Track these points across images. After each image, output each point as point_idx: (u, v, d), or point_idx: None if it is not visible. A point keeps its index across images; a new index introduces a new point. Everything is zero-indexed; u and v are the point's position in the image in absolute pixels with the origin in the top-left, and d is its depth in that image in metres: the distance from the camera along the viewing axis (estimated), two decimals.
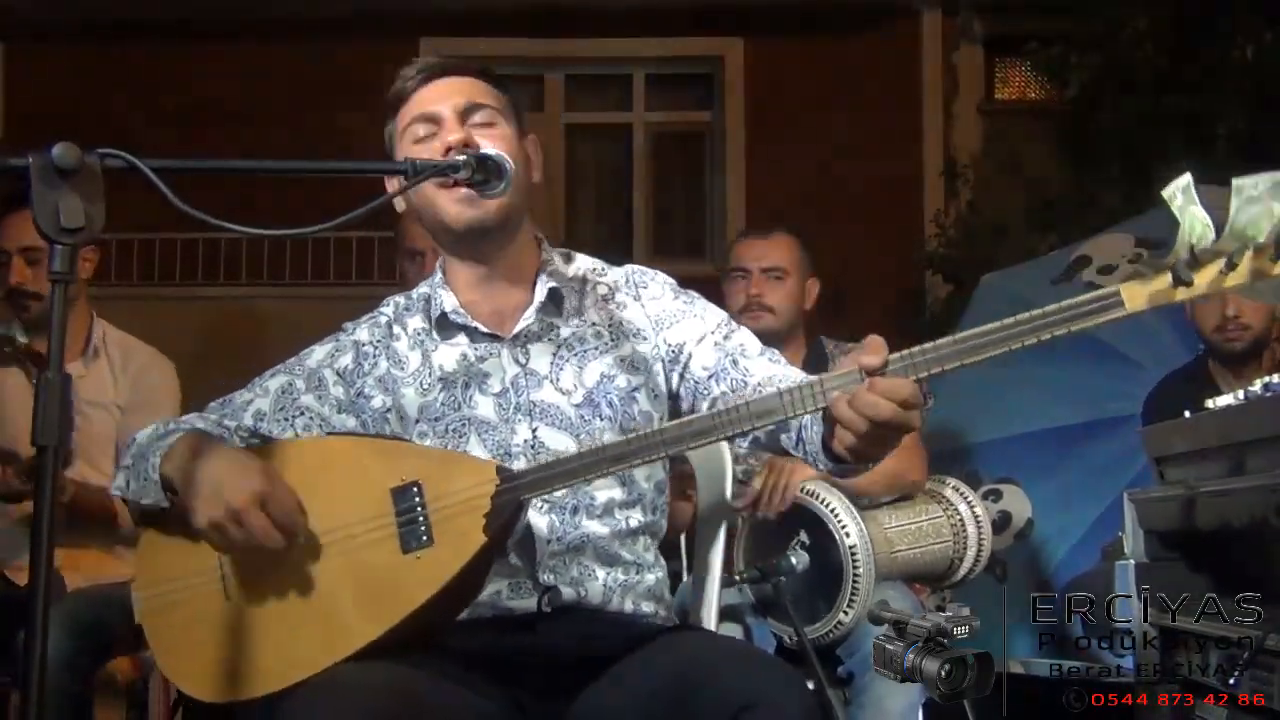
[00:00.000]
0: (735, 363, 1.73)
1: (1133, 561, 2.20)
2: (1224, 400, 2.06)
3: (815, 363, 3.03)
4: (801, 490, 2.46)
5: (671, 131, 8.18)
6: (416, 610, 1.54)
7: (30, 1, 7.31)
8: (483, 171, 1.58)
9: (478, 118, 1.70)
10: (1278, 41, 5.38)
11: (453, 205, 1.67)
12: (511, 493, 1.55)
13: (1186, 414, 2.18)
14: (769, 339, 3.00)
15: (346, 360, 1.77)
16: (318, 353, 1.80)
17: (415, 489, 1.57)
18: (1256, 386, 1.95)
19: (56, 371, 1.28)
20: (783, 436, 1.68)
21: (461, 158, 1.58)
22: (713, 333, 1.77)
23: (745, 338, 1.78)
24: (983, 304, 4.05)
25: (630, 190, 7.92)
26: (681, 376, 1.76)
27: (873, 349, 1.41)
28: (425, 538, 1.56)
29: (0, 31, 7.58)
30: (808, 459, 1.65)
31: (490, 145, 1.65)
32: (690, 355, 1.76)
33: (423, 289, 1.82)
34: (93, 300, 2.99)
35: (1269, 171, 1.31)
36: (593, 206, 8.14)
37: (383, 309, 1.83)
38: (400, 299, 1.83)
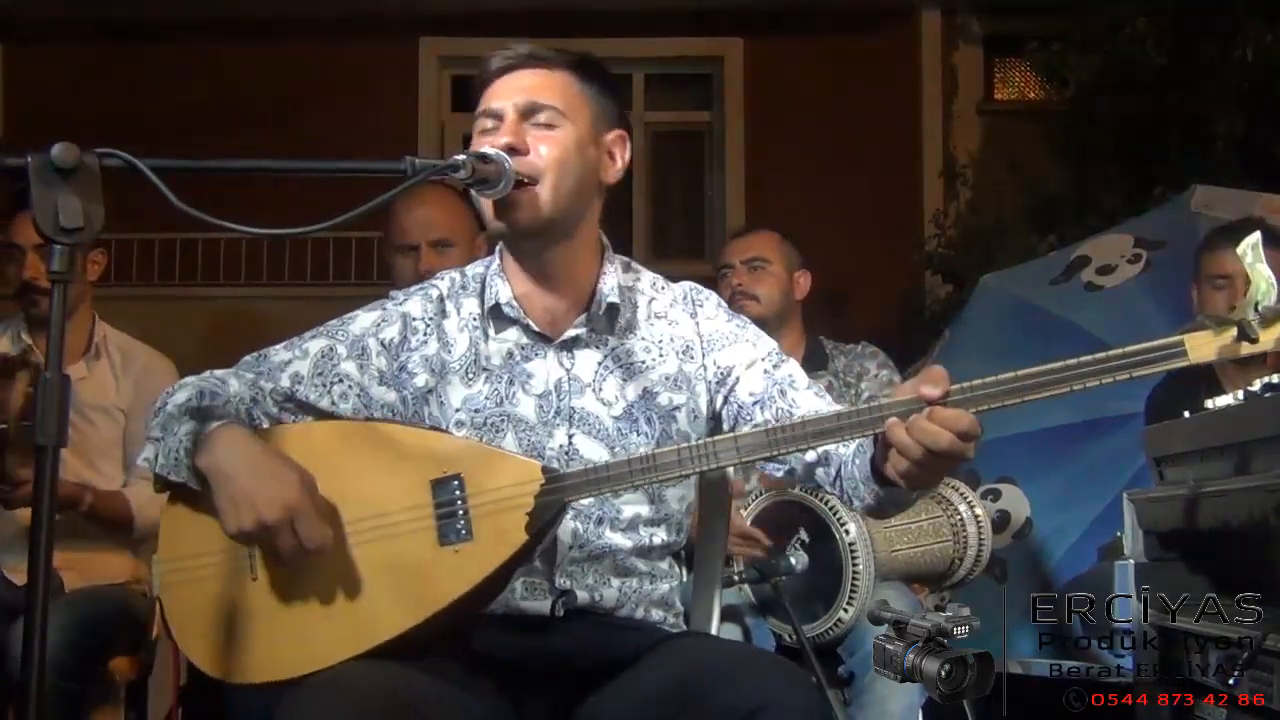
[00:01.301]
0: (783, 393, 1.73)
1: (1132, 561, 2.20)
2: (1224, 400, 2.05)
3: (814, 361, 3.04)
4: (801, 488, 2.46)
5: (671, 131, 8.17)
6: (449, 605, 1.52)
7: (30, 1, 7.31)
8: (482, 173, 1.58)
9: (539, 118, 1.68)
10: (1278, 41, 5.38)
11: (489, 208, 1.66)
12: (556, 494, 1.54)
13: (1186, 414, 2.17)
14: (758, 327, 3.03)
15: (393, 332, 1.74)
16: (363, 319, 1.76)
17: (456, 482, 1.56)
18: (1256, 386, 1.95)
19: (56, 371, 1.28)
20: (819, 470, 1.69)
21: (461, 158, 1.57)
22: (763, 360, 1.76)
23: (794, 369, 1.77)
24: (982, 304, 4.04)
25: (630, 190, 7.91)
26: (726, 399, 1.75)
27: (934, 379, 1.44)
28: (464, 532, 1.54)
29: (0, 31, 7.57)
30: (843, 495, 1.67)
31: (542, 147, 1.65)
32: (738, 379, 1.75)
33: (478, 269, 1.80)
34: (93, 302, 3.00)
35: None
36: None
37: (436, 282, 1.80)
38: (456, 275, 1.81)
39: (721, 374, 1.75)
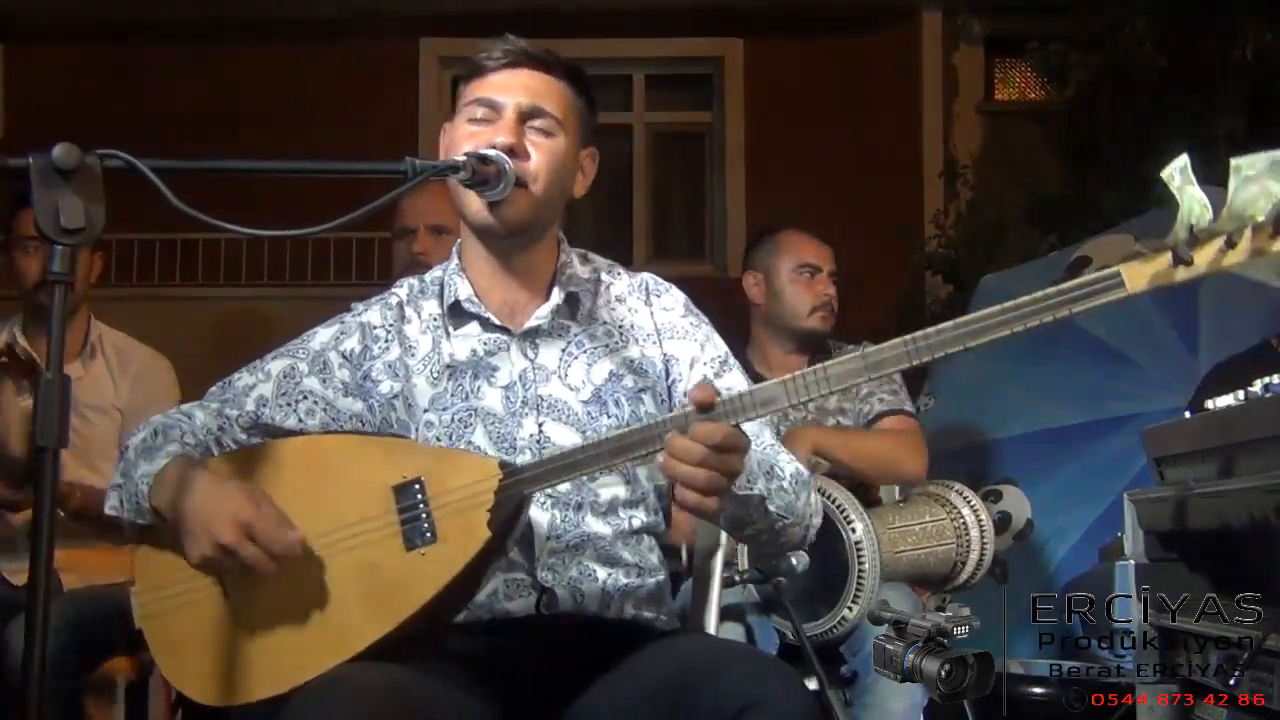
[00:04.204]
0: None
1: (1132, 562, 2.20)
2: (1224, 401, 2.05)
3: (821, 362, 3.03)
4: None
5: (671, 132, 8.18)
6: (421, 609, 1.53)
7: (30, 1, 7.31)
8: (482, 174, 1.59)
9: (538, 123, 1.68)
10: (1278, 41, 5.38)
11: (475, 202, 1.66)
12: (515, 487, 1.54)
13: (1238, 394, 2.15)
14: (815, 340, 3.00)
15: (353, 343, 1.75)
16: (321, 335, 1.78)
17: (417, 486, 1.57)
18: (1256, 387, 1.95)
19: (57, 371, 1.28)
20: None
21: (461, 158, 1.58)
22: (706, 364, 1.77)
23: (735, 381, 1.77)
24: (983, 304, 4.03)
25: (630, 191, 7.92)
26: (669, 390, 1.76)
27: (701, 390, 1.44)
28: (429, 534, 1.55)
29: (0, 31, 7.58)
30: None
31: (536, 154, 1.66)
32: (680, 376, 1.76)
33: (436, 273, 1.81)
34: (91, 302, 3.00)
35: (1267, 151, 1.32)
36: (592, 207, 8.14)
37: (396, 289, 1.81)
38: (414, 281, 1.82)
39: (666, 363, 1.76)
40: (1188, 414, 2.31)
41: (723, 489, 1.46)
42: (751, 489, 1.58)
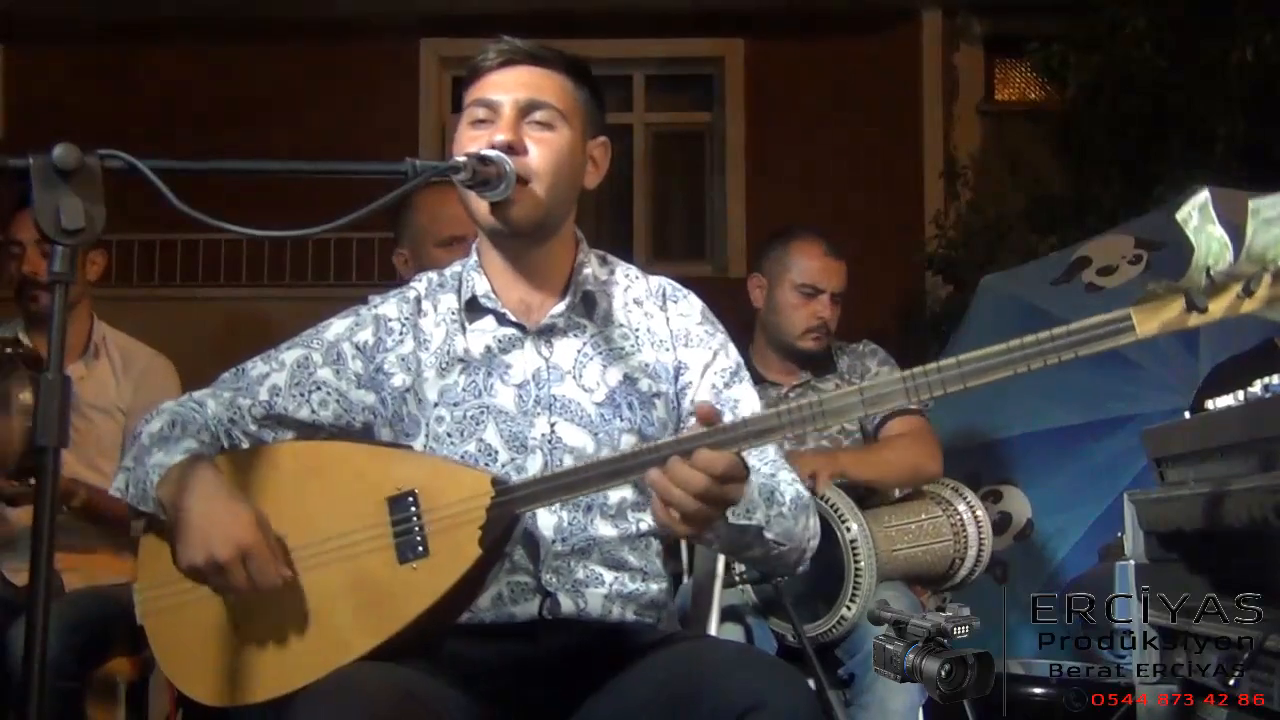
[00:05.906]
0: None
1: (1132, 562, 2.20)
2: (1224, 401, 2.05)
3: (822, 364, 3.03)
4: None
5: (671, 132, 8.17)
6: (412, 622, 1.53)
7: (30, 1, 7.31)
8: (483, 174, 1.58)
9: (537, 116, 1.67)
10: (1278, 41, 5.38)
11: (480, 205, 1.66)
12: (506, 506, 1.54)
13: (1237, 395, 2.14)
14: (817, 356, 2.98)
15: (366, 335, 1.75)
16: (336, 326, 1.77)
17: (411, 498, 1.57)
18: (1256, 387, 1.95)
19: (57, 371, 1.28)
20: None
21: (461, 159, 1.57)
22: (718, 373, 1.76)
23: (744, 394, 1.77)
24: (983, 305, 4.05)
25: (630, 191, 7.91)
26: (678, 397, 1.76)
27: (704, 415, 1.43)
28: (421, 549, 1.55)
29: (0, 31, 7.58)
30: None
31: (537, 149, 1.65)
32: (689, 383, 1.75)
33: (456, 268, 1.81)
34: (93, 301, 3.00)
35: None
36: (592, 207, 8.13)
37: (415, 284, 1.81)
38: (434, 275, 1.82)
39: (679, 369, 1.76)
40: (1188, 414, 2.30)
41: (713, 519, 1.46)
42: (750, 518, 1.57)
